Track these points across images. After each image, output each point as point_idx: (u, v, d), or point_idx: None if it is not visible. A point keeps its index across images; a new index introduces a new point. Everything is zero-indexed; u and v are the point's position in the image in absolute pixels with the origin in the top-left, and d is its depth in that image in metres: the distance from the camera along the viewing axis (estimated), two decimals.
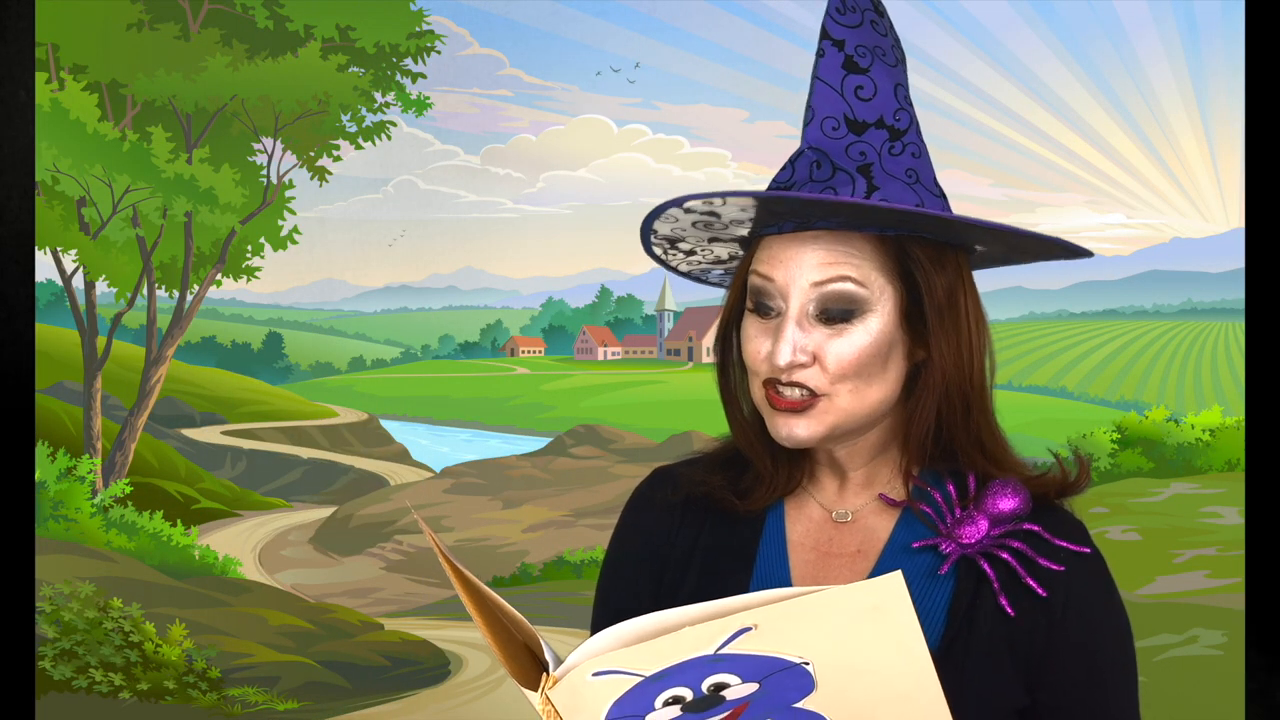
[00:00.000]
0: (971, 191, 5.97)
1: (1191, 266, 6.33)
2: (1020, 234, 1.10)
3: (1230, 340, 6.44)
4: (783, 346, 1.07)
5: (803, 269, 1.07)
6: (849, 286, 1.07)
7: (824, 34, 1.11)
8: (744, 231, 1.16)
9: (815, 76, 1.11)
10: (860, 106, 1.09)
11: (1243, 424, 5.02)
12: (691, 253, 1.21)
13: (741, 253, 1.19)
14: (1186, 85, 5.64)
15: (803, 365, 1.07)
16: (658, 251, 1.21)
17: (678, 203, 1.11)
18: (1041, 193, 5.98)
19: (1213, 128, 5.69)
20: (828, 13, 1.11)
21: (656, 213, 1.13)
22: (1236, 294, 5.74)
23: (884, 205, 1.04)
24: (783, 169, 1.10)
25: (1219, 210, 5.90)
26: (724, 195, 1.08)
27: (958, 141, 5.91)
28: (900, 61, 1.13)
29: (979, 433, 1.14)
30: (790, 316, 1.07)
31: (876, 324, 1.08)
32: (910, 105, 1.12)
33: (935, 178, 1.12)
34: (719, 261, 1.23)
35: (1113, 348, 6.81)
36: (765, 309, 1.10)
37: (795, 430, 1.10)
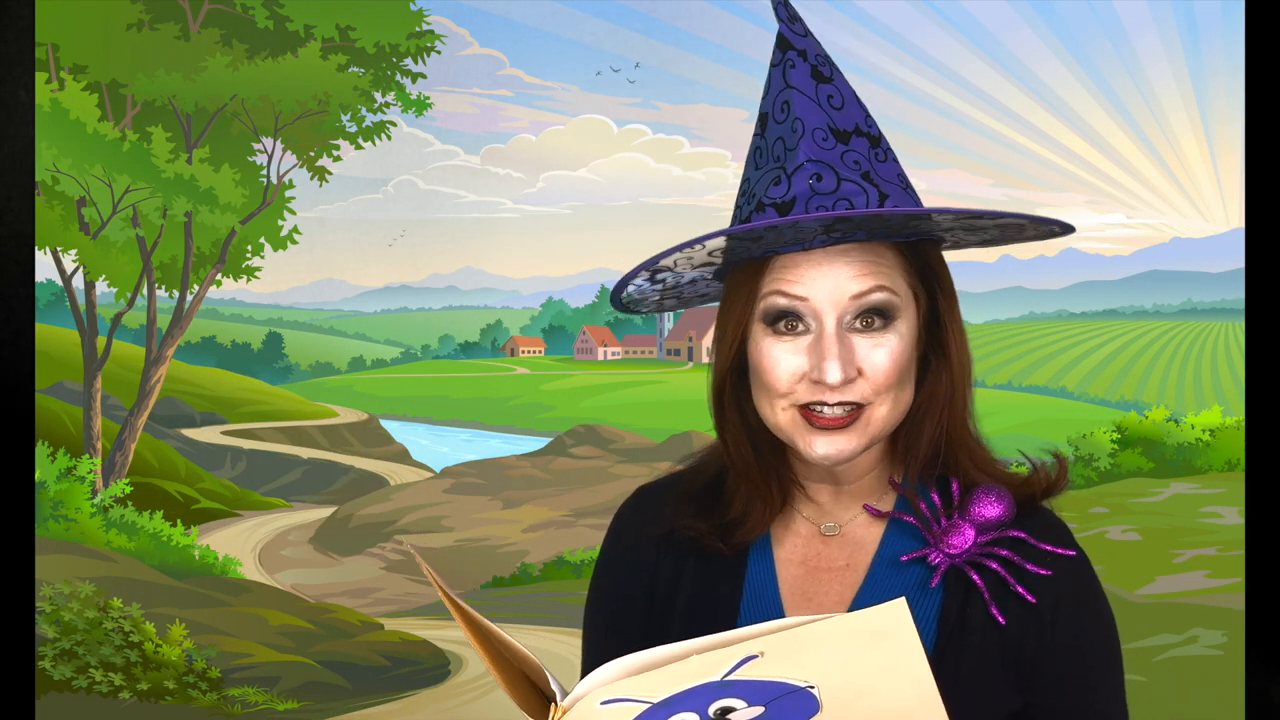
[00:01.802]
0: (971, 191, 5.97)
1: (1191, 266, 6.33)
2: (1050, 222, 1.10)
3: (1230, 340, 6.44)
4: (831, 364, 1.05)
5: (840, 282, 1.06)
6: (885, 296, 1.07)
7: (786, 44, 1.10)
8: (722, 259, 1.12)
9: (789, 86, 1.09)
10: (837, 116, 1.09)
11: (1243, 424, 5.02)
12: (664, 280, 1.17)
13: (709, 278, 1.17)
14: (1186, 85, 5.64)
15: (851, 380, 1.07)
16: (633, 287, 1.16)
17: (742, 229, 1.04)
18: (1041, 193, 5.98)
19: (1213, 128, 5.69)
20: (782, 22, 1.10)
21: (701, 240, 1.07)
22: (1236, 294, 5.74)
23: (959, 210, 1.04)
24: (776, 184, 1.08)
25: (1219, 210, 5.90)
26: (778, 222, 1.03)
27: (958, 141, 5.91)
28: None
29: (966, 436, 1.15)
30: (832, 333, 1.06)
31: (906, 329, 1.09)
32: (869, 111, 1.13)
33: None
34: (670, 288, 1.19)
35: (1113, 348, 6.81)
36: (792, 327, 1.08)
37: (837, 448, 1.08)
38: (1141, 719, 1.18)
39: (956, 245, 1.17)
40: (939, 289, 1.11)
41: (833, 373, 1.05)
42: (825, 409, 1.07)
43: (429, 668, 4.91)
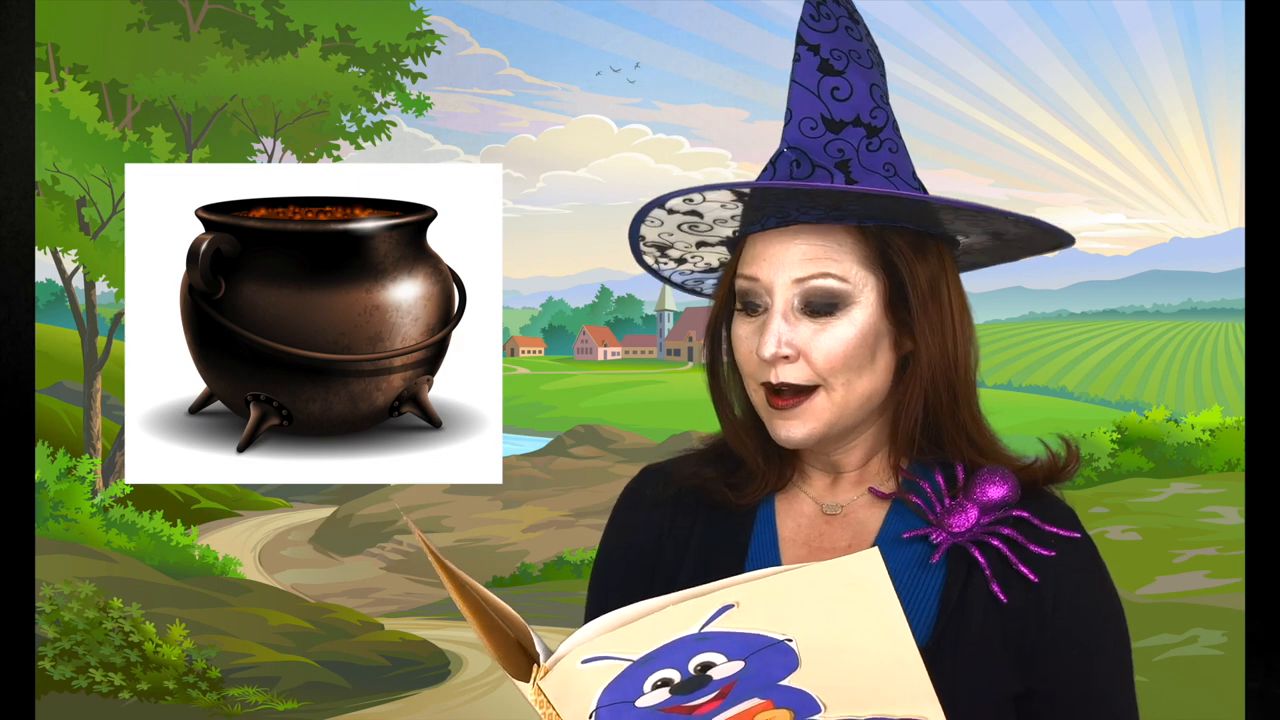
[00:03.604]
0: (971, 191, 5.97)
1: (1191, 266, 6.33)
2: (994, 213, 1.11)
3: (1230, 340, 6.44)
4: (768, 339, 1.08)
5: (785, 265, 1.09)
6: (830, 283, 1.09)
7: (799, 40, 1.13)
8: (729, 232, 1.18)
9: (792, 80, 1.13)
10: (837, 106, 1.11)
11: (1243, 424, 5.02)
12: (682, 260, 1.23)
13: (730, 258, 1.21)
14: (1186, 85, 5.64)
15: (787, 359, 1.09)
16: (649, 260, 1.23)
17: (659, 203, 1.14)
18: (1041, 193, 5.98)
19: (1213, 128, 5.69)
20: (802, 19, 1.14)
21: (641, 215, 1.16)
22: (1236, 294, 5.74)
23: (856, 189, 1.07)
24: (764, 170, 1.13)
25: (1219, 210, 5.90)
26: (702, 190, 1.11)
27: (958, 141, 5.91)
28: (876, 65, 1.15)
29: (965, 424, 1.15)
30: (775, 310, 1.09)
31: (861, 316, 1.10)
32: (887, 104, 1.14)
33: (914, 172, 1.14)
34: (710, 270, 1.25)
35: (1113, 348, 6.81)
36: (753, 307, 1.12)
37: (793, 432, 1.11)
38: (1141, 719, 1.18)
39: (976, 256, 1.19)
40: (908, 276, 1.10)
41: (767, 347, 1.08)
42: (780, 389, 1.11)
43: (429, 668, 4.92)
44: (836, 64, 1.12)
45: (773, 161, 1.12)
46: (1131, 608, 1.13)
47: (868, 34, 1.16)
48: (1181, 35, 5.55)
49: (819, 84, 1.11)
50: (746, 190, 1.11)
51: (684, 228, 1.18)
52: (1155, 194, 5.93)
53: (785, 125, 1.12)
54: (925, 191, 1.13)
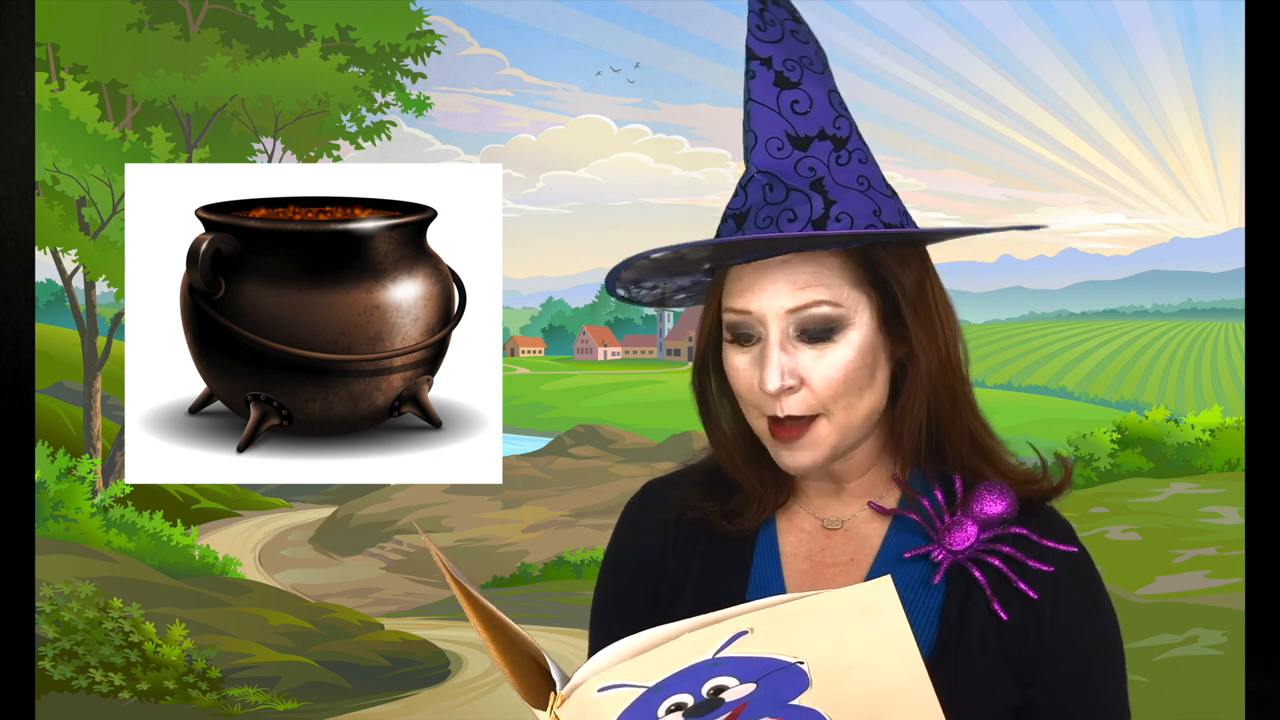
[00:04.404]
0: (971, 191, 5.97)
1: (1191, 266, 6.33)
2: (972, 232, 1.14)
3: (1230, 340, 6.44)
4: (770, 373, 1.07)
5: (776, 296, 1.08)
6: (824, 310, 1.08)
7: (750, 54, 1.12)
8: (707, 265, 1.16)
9: (749, 99, 1.12)
10: (799, 121, 1.10)
11: (1243, 424, 5.02)
12: (655, 287, 1.22)
13: (704, 279, 1.19)
14: (1186, 85, 5.64)
15: (791, 389, 1.08)
16: (622, 293, 1.21)
17: (643, 256, 1.12)
18: (1041, 193, 5.98)
19: (1213, 128, 5.69)
20: (749, 31, 1.12)
21: (623, 266, 1.14)
22: (1236, 294, 5.74)
23: (845, 234, 1.06)
24: (735, 195, 1.11)
25: (1219, 210, 5.90)
26: (689, 246, 1.09)
27: (958, 141, 5.91)
28: (826, 67, 1.14)
29: (968, 423, 1.15)
30: (773, 342, 1.08)
31: (858, 336, 1.09)
32: (845, 110, 1.13)
33: (883, 178, 1.13)
34: (681, 289, 1.24)
35: (1113, 348, 6.81)
36: (746, 338, 1.11)
37: (800, 461, 1.11)
38: (1141, 719, 1.18)
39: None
40: (898, 289, 1.10)
41: (770, 381, 1.07)
42: (783, 421, 1.10)
43: (429, 668, 4.92)
44: (791, 75, 1.11)
45: (743, 186, 1.10)
46: (1131, 608, 1.14)
47: (811, 34, 1.14)
48: (1181, 35, 5.55)
49: (778, 99, 1.10)
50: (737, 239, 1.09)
51: (662, 270, 1.16)
52: (1155, 194, 5.93)
53: (751, 149, 1.10)
54: (895, 195, 1.13)
